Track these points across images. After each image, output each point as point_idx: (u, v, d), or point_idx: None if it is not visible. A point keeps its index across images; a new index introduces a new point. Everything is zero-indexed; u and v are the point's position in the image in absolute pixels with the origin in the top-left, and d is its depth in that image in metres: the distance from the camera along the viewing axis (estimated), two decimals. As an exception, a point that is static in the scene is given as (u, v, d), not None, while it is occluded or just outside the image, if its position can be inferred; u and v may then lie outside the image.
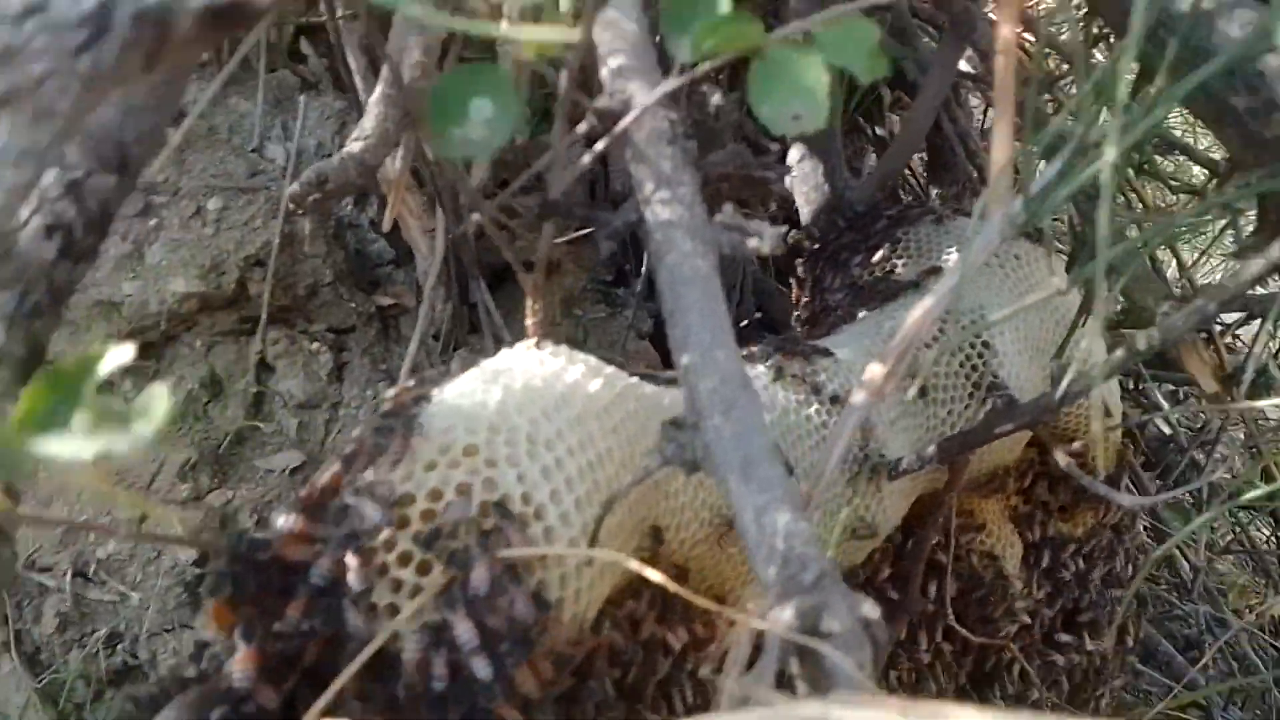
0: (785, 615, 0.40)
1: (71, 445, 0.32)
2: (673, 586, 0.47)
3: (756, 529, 0.46)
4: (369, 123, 0.84)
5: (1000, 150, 0.54)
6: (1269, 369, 1.22)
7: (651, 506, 0.64)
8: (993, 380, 0.89)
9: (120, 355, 0.32)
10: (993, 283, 0.95)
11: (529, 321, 0.63)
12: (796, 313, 1.08)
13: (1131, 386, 1.47)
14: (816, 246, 1.04)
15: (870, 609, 0.41)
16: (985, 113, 1.51)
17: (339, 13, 0.98)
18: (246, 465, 1.29)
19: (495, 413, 0.59)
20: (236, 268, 1.22)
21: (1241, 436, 1.47)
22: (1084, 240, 0.78)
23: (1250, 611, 1.57)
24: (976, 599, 0.97)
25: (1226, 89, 0.65)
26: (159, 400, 0.32)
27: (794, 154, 1.10)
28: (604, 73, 0.58)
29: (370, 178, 0.84)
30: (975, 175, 1.17)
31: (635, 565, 0.48)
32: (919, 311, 0.54)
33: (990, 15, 1.02)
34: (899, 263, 0.99)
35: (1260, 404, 0.84)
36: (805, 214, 1.09)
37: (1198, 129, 1.71)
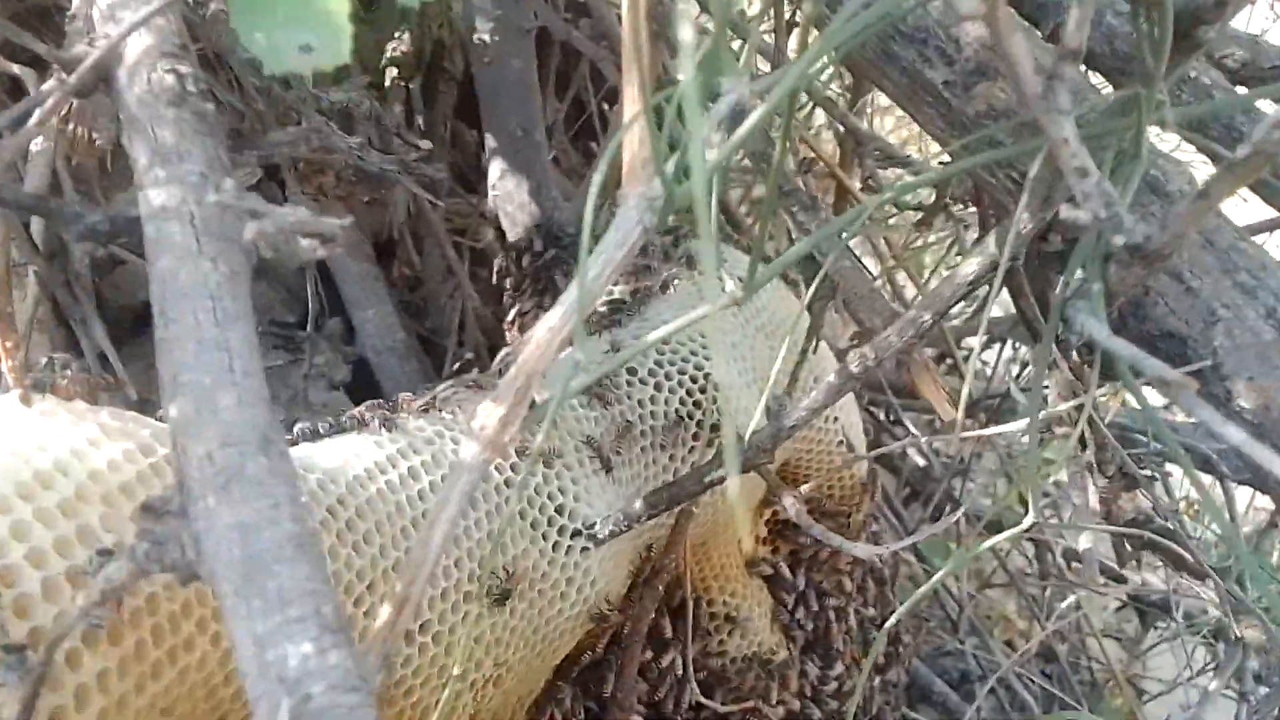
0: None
1: None
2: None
3: (258, 671, 0.30)
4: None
5: (630, 113, 0.41)
6: (1010, 393, 1.18)
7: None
8: (716, 420, 0.77)
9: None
10: (723, 318, 0.84)
11: (4, 365, 0.44)
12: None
13: (884, 417, 1.41)
14: (521, 272, 0.90)
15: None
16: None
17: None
18: None
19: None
20: None
21: (995, 464, 1.44)
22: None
23: (1021, 638, 1.53)
24: (719, 669, 0.84)
25: (920, 62, 0.56)
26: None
27: (494, 171, 0.95)
28: (92, 11, 0.41)
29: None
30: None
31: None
32: (541, 331, 0.40)
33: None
34: (613, 288, 0.86)
35: (998, 429, 0.76)
36: (512, 236, 0.95)
37: (925, 143, 1.70)
